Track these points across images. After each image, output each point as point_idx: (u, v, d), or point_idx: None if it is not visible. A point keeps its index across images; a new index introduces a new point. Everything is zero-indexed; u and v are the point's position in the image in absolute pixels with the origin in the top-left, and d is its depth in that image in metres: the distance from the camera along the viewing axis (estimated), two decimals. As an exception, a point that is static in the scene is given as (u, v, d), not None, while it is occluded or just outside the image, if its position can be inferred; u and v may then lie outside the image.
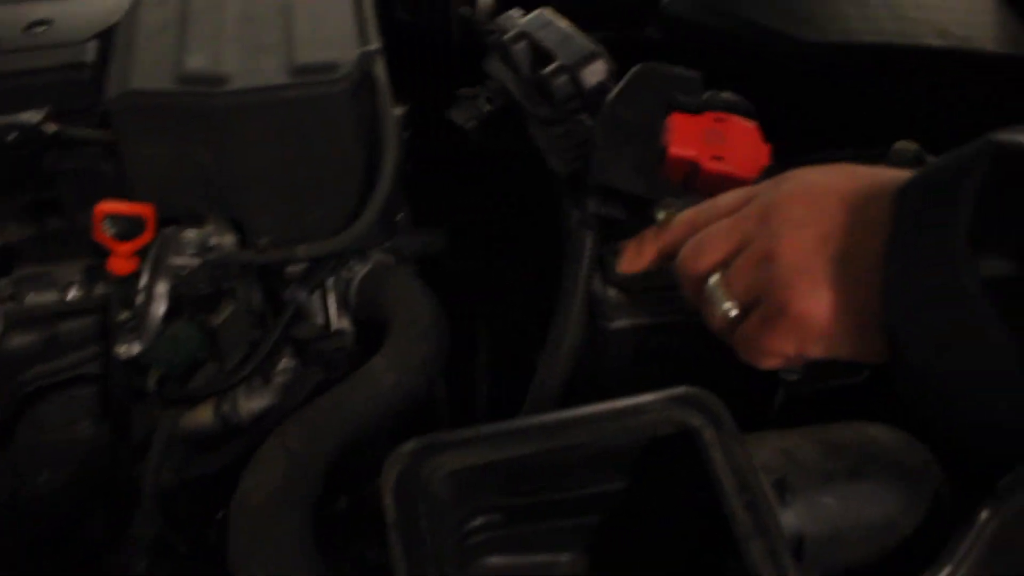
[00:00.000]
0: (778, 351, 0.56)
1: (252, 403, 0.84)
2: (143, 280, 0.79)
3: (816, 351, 0.55)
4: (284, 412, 0.80)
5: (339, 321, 0.89)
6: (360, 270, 0.88)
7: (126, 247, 0.77)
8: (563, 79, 0.83)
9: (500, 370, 1.01)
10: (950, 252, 0.44)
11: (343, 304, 0.89)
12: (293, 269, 0.86)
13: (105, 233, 0.78)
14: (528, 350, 0.84)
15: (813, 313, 0.53)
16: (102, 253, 0.80)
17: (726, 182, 0.75)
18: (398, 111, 0.85)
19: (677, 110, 0.76)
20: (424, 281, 0.87)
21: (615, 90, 0.76)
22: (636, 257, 0.64)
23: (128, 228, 0.77)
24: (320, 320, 0.89)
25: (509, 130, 0.94)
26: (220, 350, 0.83)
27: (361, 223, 0.81)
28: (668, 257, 0.63)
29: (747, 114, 0.78)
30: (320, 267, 0.86)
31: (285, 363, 0.86)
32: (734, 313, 0.58)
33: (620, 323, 0.72)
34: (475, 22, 0.97)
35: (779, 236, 0.54)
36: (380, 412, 0.76)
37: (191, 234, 0.82)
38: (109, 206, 0.78)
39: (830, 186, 0.55)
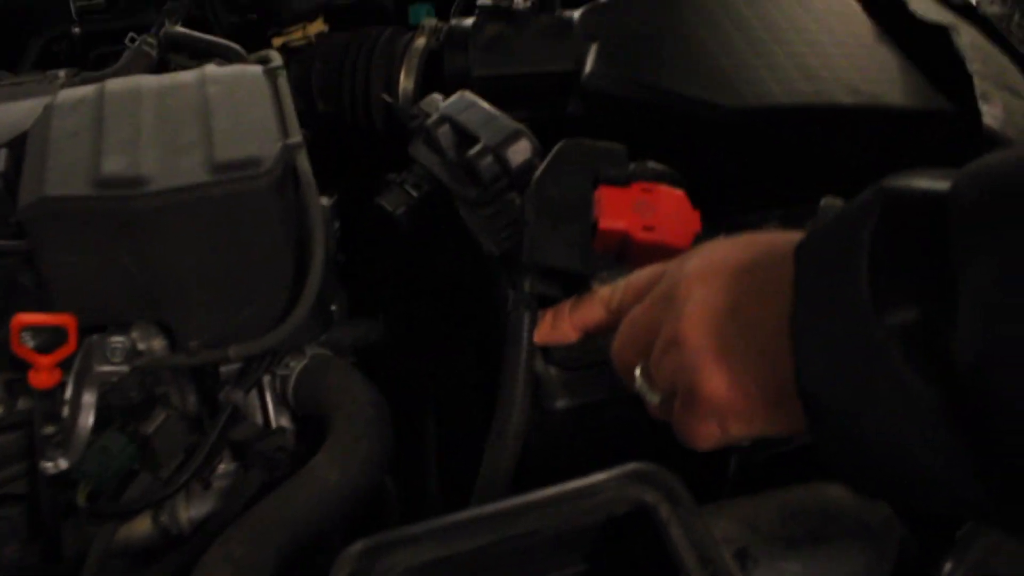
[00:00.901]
0: (704, 434, 0.55)
1: (192, 511, 0.82)
2: (68, 391, 0.77)
3: (737, 430, 0.53)
4: (226, 518, 0.77)
5: (278, 419, 0.87)
6: (296, 366, 0.86)
7: (47, 359, 0.74)
8: (488, 160, 0.84)
9: (449, 459, 0.99)
10: (854, 304, 0.42)
11: (281, 402, 0.87)
12: (227, 369, 0.84)
13: (24, 346, 0.75)
14: (476, 436, 0.83)
15: (720, 392, 0.51)
16: (23, 366, 0.77)
17: (659, 251, 0.75)
18: (326, 201, 0.84)
19: (605, 183, 0.76)
20: (364, 373, 0.86)
21: (541, 167, 0.76)
22: (551, 330, 0.64)
23: (49, 339, 0.74)
24: (259, 420, 0.86)
25: (439, 214, 0.94)
26: (154, 459, 0.80)
27: (294, 318, 0.79)
28: (586, 332, 0.63)
29: (674, 182, 0.78)
30: (255, 366, 0.84)
31: (224, 467, 0.83)
32: (656, 402, 0.58)
33: (564, 402, 0.71)
34: (397, 108, 0.98)
35: (681, 318, 0.53)
36: (326, 512, 0.74)
37: (117, 341, 0.79)
38: (27, 318, 0.75)
39: (728, 259, 0.54)
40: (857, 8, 1.11)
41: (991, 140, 0.92)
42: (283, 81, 0.87)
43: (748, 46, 1.01)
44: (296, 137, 0.82)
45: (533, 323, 0.72)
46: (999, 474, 0.39)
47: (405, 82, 1.03)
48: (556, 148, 0.78)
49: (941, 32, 1.02)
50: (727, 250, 0.55)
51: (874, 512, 0.63)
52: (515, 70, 1.00)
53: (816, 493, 0.65)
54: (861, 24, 1.10)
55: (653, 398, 0.57)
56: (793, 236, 0.50)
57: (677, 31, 1.00)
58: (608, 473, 0.62)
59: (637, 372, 0.59)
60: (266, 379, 0.86)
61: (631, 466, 0.62)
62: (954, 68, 0.99)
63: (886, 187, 0.45)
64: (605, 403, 0.71)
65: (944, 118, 0.98)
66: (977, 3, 1.13)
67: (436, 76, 1.03)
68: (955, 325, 0.39)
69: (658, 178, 0.79)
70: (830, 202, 0.84)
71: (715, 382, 0.51)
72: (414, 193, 0.96)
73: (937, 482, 0.42)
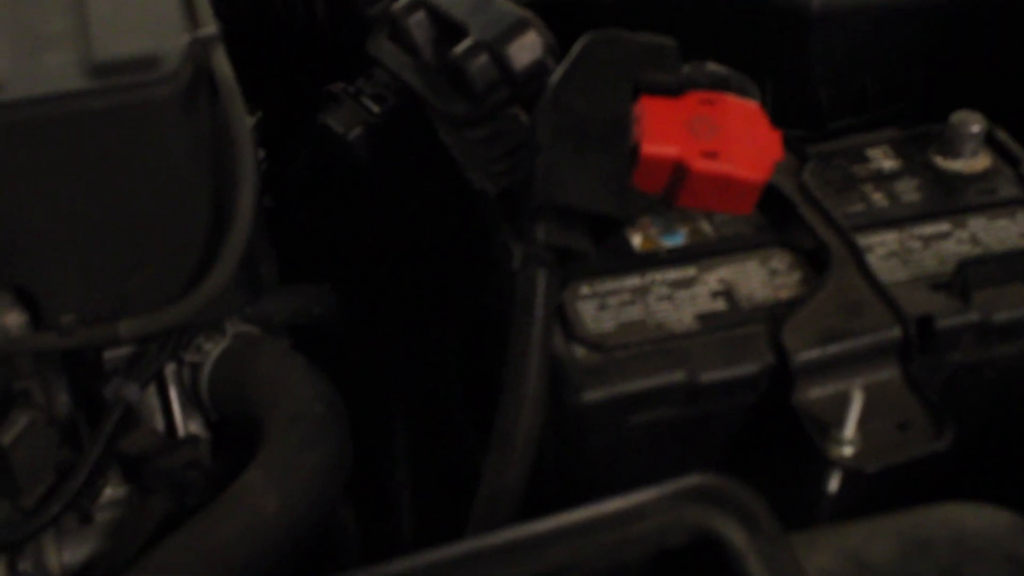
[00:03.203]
0: None
1: (67, 554, 0.79)
2: None
3: None
4: (115, 563, 0.75)
5: (187, 424, 0.84)
6: (213, 350, 0.83)
7: None
8: (482, 60, 0.81)
9: (428, 472, 0.96)
10: None
11: (192, 400, 0.84)
12: (114, 355, 0.82)
13: None
14: (465, 441, 0.80)
15: None
16: None
17: (724, 186, 0.73)
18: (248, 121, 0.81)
19: (648, 93, 0.74)
20: (307, 357, 0.83)
21: (560, 70, 0.74)
22: None
23: None
24: (159, 425, 0.84)
25: (408, 137, 0.91)
26: (12, 481, 0.77)
27: (210, 283, 0.76)
28: None
29: (744, 92, 0.76)
30: (154, 349, 0.81)
31: (112, 491, 0.81)
32: None
33: (595, 394, 0.68)
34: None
35: None
36: (260, 551, 0.71)
37: (-45, 316, 0.76)
38: None
39: None
40: None
41: None
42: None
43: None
44: (210, 27, 0.78)
45: (551, 285, 0.70)
46: None
47: (358, -43, 0.99)
48: (580, 43, 0.75)
49: None
50: None
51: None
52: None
53: (948, 517, 0.63)
54: None
55: None
56: None
57: None
58: (659, 489, 0.59)
59: None
60: (169, 368, 0.84)
61: (691, 479, 0.60)
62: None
63: None
64: (652, 394, 0.69)
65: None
66: None
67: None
68: None
69: (721, 85, 0.77)
70: (963, 117, 0.82)
71: None
72: (374, 108, 0.93)
73: None
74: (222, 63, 0.78)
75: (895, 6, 0.91)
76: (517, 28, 0.81)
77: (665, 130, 0.72)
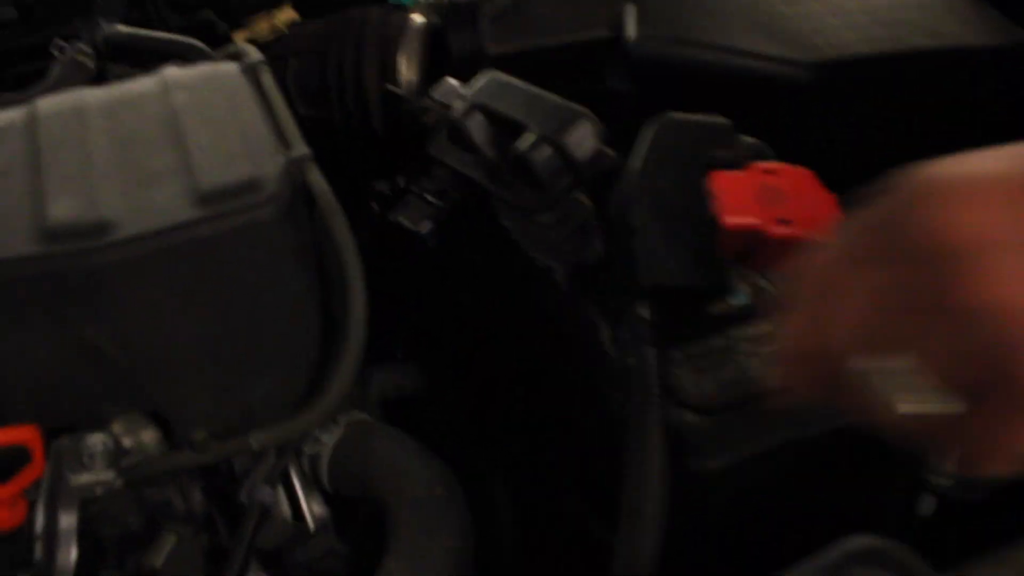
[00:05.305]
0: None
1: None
2: (38, 522, 0.54)
3: None
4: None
5: (310, 506, 0.65)
6: (330, 440, 0.65)
7: (7, 490, 0.52)
8: (546, 152, 0.63)
9: (534, 547, 0.75)
10: None
11: (311, 483, 0.66)
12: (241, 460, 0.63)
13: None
14: (570, 511, 0.63)
15: None
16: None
17: (795, 249, 0.57)
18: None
19: (715, 168, 0.57)
20: (417, 441, 0.65)
21: (639, 154, 0.57)
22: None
23: (5, 462, 0.52)
24: (286, 511, 0.65)
25: (473, 227, 0.73)
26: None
27: (335, 389, 0.58)
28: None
29: (767, 157, 0.60)
30: (281, 451, 0.62)
31: (254, 584, 0.62)
32: (952, 411, 0.37)
33: (719, 460, 0.51)
34: (406, 102, 0.76)
35: (974, 274, 0.34)
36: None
37: (96, 439, 0.57)
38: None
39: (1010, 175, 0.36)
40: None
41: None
42: (268, 78, 0.66)
43: (805, -9, 0.83)
44: (301, 148, 0.60)
45: (660, 362, 0.53)
46: None
47: (407, 71, 0.81)
48: (651, 128, 0.58)
49: None
50: (992, 165, 0.36)
51: None
52: (539, 43, 0.80)
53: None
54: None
55: (946, 406, 0.37)
56: None
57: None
58: (824, 557, 0.43)
59: (894, 369, 0.37)
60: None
61: (856, 542, 0.44)
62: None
63: None
64: (770, 454, 0.52)
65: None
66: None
67: (441, 61, 0.82)
68: None
69: (759, 155, 0.60)
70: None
71: None
72: (438, 203, 0.75)
73: None
74: (318, 180, 0.61)
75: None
76: (574, 120, 0.64)
77: (739, 201, 0.55)
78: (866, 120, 0.77)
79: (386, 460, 0.62)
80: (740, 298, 0.62)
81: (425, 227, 0.73)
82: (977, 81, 0.80)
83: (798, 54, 0.74)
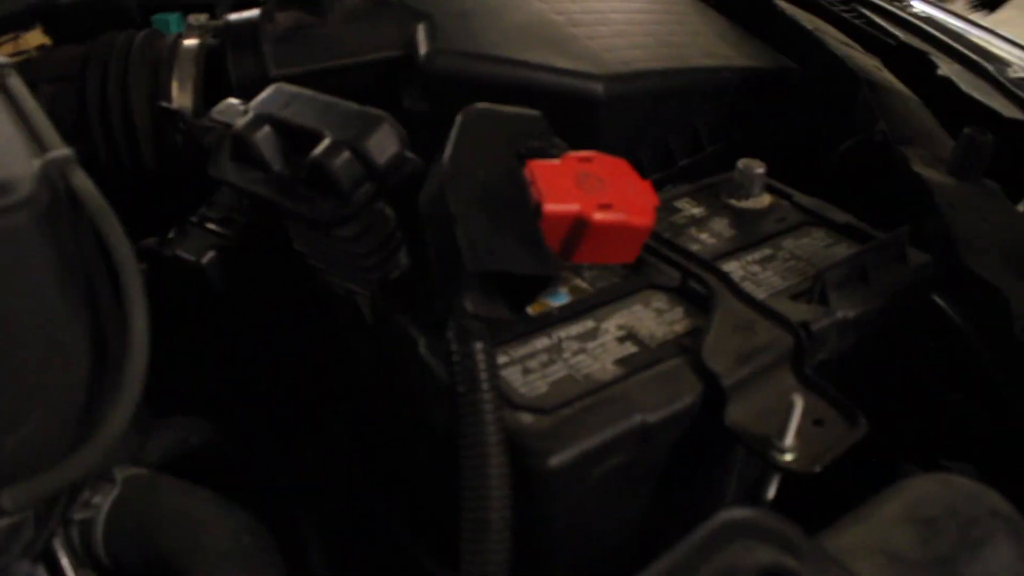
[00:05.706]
0: None
1: None
2: None
3: None
4: None
5: (83, 587, 0.54)
6: (104, 501, 0.54)
7: None
8: (344, 157, 0.58)
9: None
10: None
11: (83, 557, 0.55)
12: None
13: None
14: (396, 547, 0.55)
15: None
16: None
17: (621, 235, 0.54)
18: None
19: (530, 157, 0.54)
20: (210, 490, 0.55)
21: (449, 144, 0.52)
22: None
23: None
24: (50, 596, 0.53)
25: (264, 253, 0.66)
26: None
27: (107, 431, 0.48)
28: None
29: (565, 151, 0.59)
30: (46, 514, 0.51)
31: None
32: None
33: (561, 456, 0.47)
34: (182, 119, 0.68)
35: None
36: None
37: None
38: None
39: None
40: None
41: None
42: (17, 82, 0.57)
43: (588, 15, 0.84)
44: (60, 149, 0.51)
45: (490, 356, 0.48)
46: None
47: (180, 97, 0.73)
48: (459, 120, 0.54)
49: None
50: None
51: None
52: (327, 64, 0.75)
53: (929, 493, 0.47)
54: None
55: None
56: None
57: (510, 2, 0.81)
58: (697, 535, 0.39)
59: None
60: (59, 532, 0.54)
61: (724, 516, 0.40)
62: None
63: None
64: (610, 444, 0.48)
65: (791, 74, 0.89)
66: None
67: (220, 86, 0.75)
68: None
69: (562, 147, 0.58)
70: (747, 163, 0.69)
71: None
72: (222, 231, 0.68)
73: None
74: (84, 181, 0.52)
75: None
76: (374, 124, 0.59)
77: (559, 189, 0.52)
78: (652, 125, 0.77)
79: (177, 512, 0.52)
80: (560, 299, 0.59)
81: (207, 257, 0.65)
82: (750, 96, 0.84)
83: (592, 68, 0.74)
